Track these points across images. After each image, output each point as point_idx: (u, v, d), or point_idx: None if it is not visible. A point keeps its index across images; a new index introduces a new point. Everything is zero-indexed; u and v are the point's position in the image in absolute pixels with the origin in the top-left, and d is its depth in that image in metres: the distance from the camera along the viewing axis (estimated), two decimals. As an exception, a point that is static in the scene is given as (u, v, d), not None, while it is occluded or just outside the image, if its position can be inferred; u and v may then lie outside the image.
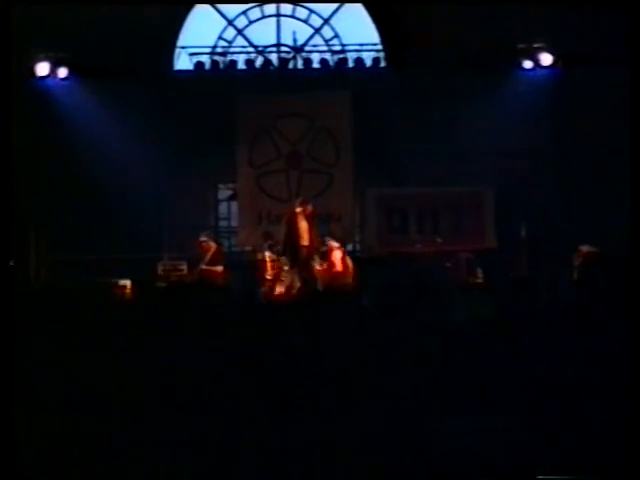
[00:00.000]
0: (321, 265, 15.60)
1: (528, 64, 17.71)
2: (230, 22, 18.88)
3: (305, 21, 18.96)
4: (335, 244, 15.78)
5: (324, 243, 15.93)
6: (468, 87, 17.09)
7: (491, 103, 16.89)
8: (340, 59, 18.43)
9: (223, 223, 19.10)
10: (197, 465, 4.86)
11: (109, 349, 5.86)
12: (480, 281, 15.59)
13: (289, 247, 15.75)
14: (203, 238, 15.76)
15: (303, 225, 15.72)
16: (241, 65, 18.37)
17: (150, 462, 4.81)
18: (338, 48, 18.67)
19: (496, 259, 16.44)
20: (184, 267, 16.33)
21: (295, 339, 5.74)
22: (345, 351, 5.37)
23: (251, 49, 18.65)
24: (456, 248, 16.85)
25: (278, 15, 18.87)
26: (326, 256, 15.51)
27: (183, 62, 18.56)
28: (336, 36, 18.84)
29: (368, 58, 18.35)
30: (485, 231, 17.84)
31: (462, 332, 5.80)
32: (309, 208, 15.87)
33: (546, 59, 17.55)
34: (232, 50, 18.67)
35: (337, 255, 15.51)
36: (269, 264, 15.41)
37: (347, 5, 18.64)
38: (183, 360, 5.47)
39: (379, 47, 18.47)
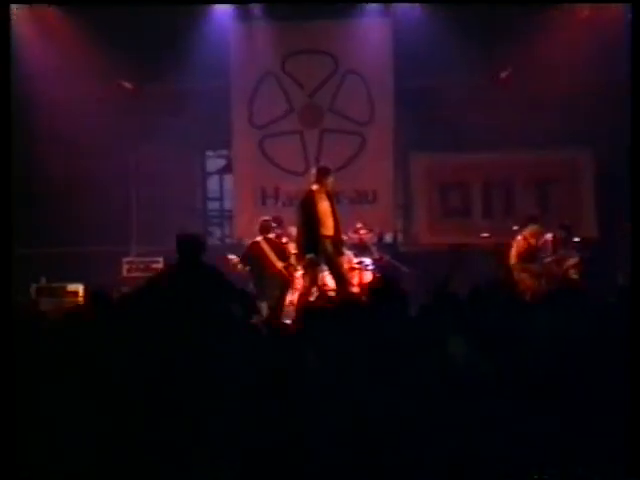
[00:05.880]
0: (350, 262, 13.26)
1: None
2: None
3: None
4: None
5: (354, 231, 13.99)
6: (526, 22, 14.71)
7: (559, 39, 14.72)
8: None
9: (213, 205, 17.15)
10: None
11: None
12: (575, 283, 13.05)
13: (305, 239, 12.32)
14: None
15: (324, 207, 12.19)
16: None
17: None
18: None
19: (598, 254, 13.80)
20: (159, 265, 14.63)
21: (312, 356, 5.19)
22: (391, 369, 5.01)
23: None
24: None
25: None
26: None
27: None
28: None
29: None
30: (582, 215, 15.67)
31: (542, 351, 5.09)
32: (330, 183, 12.38)
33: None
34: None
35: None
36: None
37: None
38: (181, 367, 5.26)
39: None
